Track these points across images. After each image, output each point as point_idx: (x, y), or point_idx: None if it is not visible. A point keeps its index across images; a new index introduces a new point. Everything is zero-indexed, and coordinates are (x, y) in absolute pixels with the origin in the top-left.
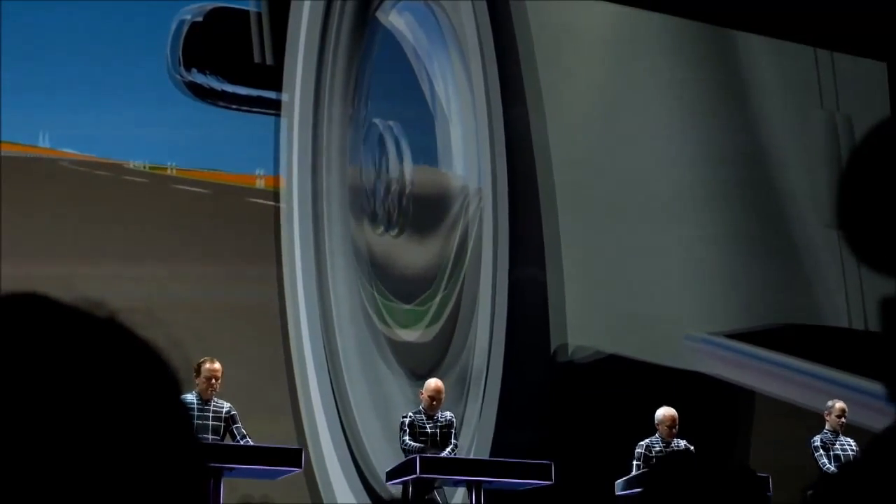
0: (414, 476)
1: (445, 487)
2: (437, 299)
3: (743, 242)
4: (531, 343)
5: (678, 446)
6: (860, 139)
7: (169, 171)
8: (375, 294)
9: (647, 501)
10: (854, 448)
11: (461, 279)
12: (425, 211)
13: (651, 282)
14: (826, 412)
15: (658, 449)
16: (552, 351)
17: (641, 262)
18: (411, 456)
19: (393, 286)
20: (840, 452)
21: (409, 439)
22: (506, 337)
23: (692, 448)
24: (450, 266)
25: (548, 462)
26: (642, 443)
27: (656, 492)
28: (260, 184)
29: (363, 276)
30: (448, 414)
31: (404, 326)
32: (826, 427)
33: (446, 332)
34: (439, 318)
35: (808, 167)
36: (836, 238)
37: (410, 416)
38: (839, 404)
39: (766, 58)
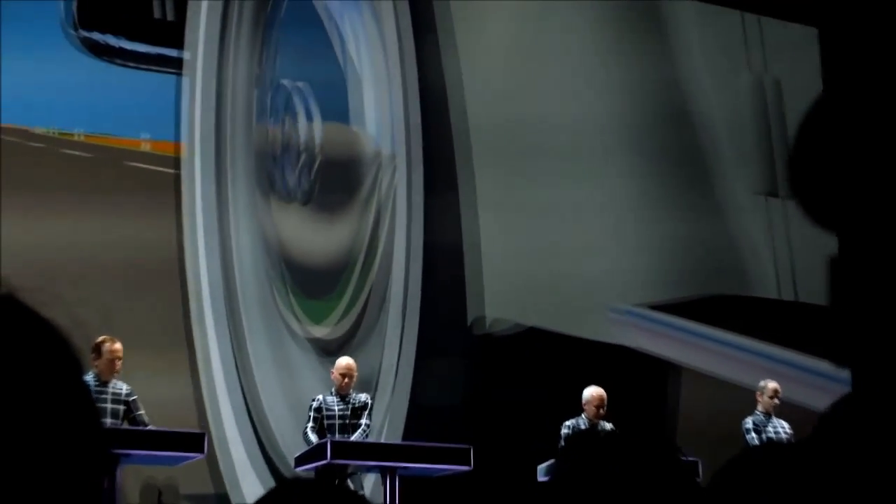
0: (324, 462)
1: (360, 473)
2: (350, 290)
3: (668, 207)
4: (446, 316)
5: (603, 429)
6: (808, 107)
7: (74, 136)
8: (285, 288)
9: (556, 492)
10: (787, 431)
11: (376, 262)
12: (337, 180)
13: (572, 249)
14: (758, 392)
15: (589, 428)
16: (468, 324)
17: (562, 227)
18: (323, 440)
19: (302, 278)
20: (773, 435)
21: (312, 431)
22: (420, 308)
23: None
24: (364, 251)
25: (466, 446)
26: (568, 423)
27: (566, 481)
28: (160, 148)
29: (271, 266)
30: (363, 396)
31: (315, 322)
32: (758, 408)
33: (358, 325)
34: (351, 309)
35: (735, 130)
36: (765, 204)
37: (319, 400)
38: (771, 384)
39: (692, 19)
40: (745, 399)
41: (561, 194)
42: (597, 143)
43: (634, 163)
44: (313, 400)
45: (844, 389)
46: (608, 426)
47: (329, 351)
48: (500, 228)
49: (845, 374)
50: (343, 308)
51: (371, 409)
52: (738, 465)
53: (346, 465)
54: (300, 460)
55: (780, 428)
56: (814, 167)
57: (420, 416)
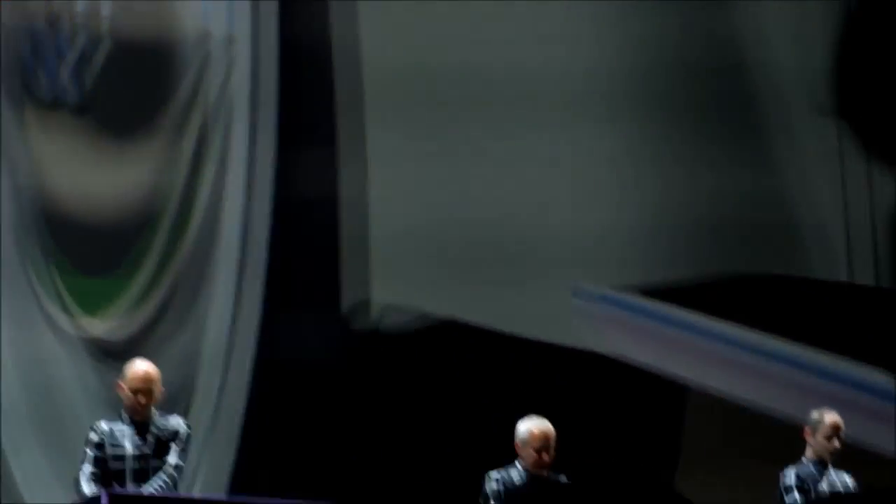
0: None
1: None
2: (149, 264)
3: (669, 158)
4: (306, 302)
5: (559, 481)
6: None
7: None
8: (45, 259)
9: None
10: (852, 487)
11: (193, 221)
12: (134, 79)
13: (516, 204)
14: (807, 430)
15: (520, 485)
16: (342, 313)
17: (501, 172)
18: (95, 493)
19: (74, 243)
20: (828, 495)
21: (87, 479)
22: (263, 293)
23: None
24: (176, 201)
25: None
26: (494, 474)
27: None
28: None
29: (22, 224)
30: (176, 421)
31: (92, 312)
32: (807, 454)
33: (160, 319)
34: (150, 294)
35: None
36: (833, 130)
37: (100, 430)
38: (830, 418)
39: None
40: (788, 439)
41: (511, 145)
42: (558, 90)
43: (629, 82)
44: (91, 430)
45: None
46: (561, 478)
47: (113, 356)
48: (402, 174)
49: None
50: (137, 292)
51: (187, 441)
52: None
53: None
54: None
55: (840, 483)
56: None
57: (257, 457)
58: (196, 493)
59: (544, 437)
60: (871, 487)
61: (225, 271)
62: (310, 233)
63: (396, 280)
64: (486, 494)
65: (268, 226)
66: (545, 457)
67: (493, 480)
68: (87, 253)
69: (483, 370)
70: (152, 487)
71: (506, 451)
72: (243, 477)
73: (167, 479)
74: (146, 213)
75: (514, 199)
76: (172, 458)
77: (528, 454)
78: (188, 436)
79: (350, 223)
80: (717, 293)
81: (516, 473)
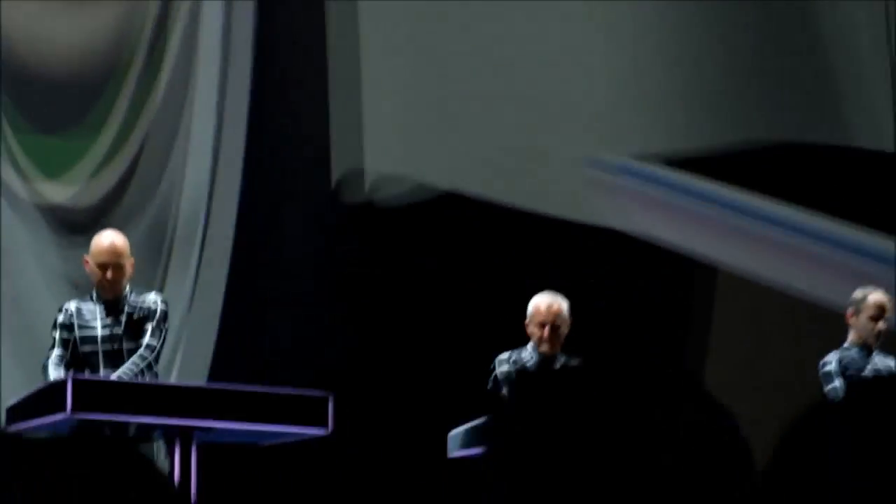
0: (63, 415)
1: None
2: (116, 120)
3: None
4: (293, 170)
5: (570, 364)
6: None
7: None
8: None
9: (492, 476)
10: None
11: (165, 68)
12: None
13: (526, 67)
14: (850, 311)
15: (530, 367)
16: (333, 185)
17: (509, 33)
18: (60, 378)
19: (28, 96)
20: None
21: (55, 363)
22: (244, 159)
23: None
24: (143, 46)
25: (321, 394)
26: (503, 356)
27: (506, 457)
28: None
29: None
30: (151, 298)
31: (51, 175)
32: (850, 338)
33: (128, 181)
34: (117, 155)
35: None
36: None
37: (69, 310)
38: (875, 297)
39: None
40: (826, 322)
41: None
42: None
43: None
44: (59, 310)
45: None
46: (573, 361)
47: (77, 226)
48: (402, 43)
49: None
50: (102, 152)
51: (163, 320)
52: (814, 423)
53: (104, 424)
54: (16, 412)
55: (885, 370)
56: None
57: (240, 340)
58: (171, 380)
59: (550, 313)
60: None
61: (201, 129)
62: (296, 93)
63: (392, 148)
64: (497, 378)
65: (249, 76)
66: (546, 332)
67: (501, 363)
68: (45, 108)
69: (487, 247)
70: (122, 372)
71: (516, 335)
72: (225, 361)
73: (138, 362)
74: (112, 62)
75: (524, 61)
76: (146, 339)
77: (533, 331)
78: (164, 314)
79: (340, 79)
80: (750, 163)
81: (526, 354)
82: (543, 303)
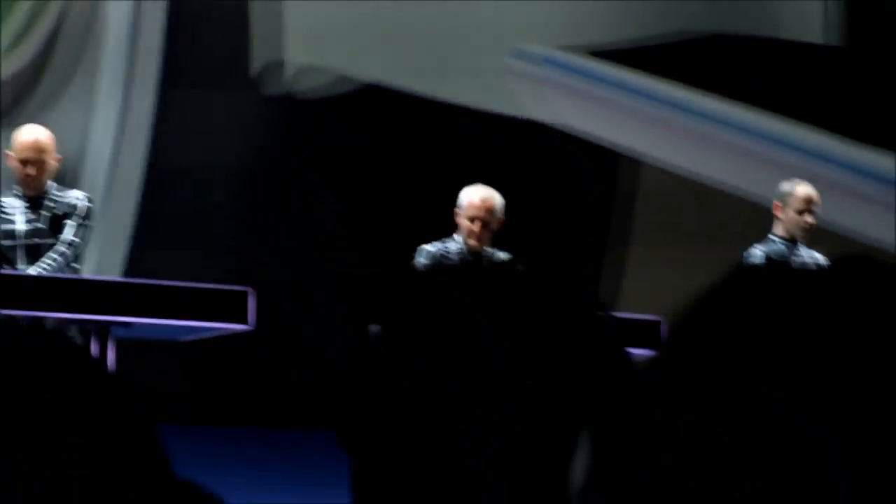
0: None
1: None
2: None
3: None
4: (212, 62)
5: (491, 258)
6: None
7: None
8: None
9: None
10: (824, 265)
11: None
12: None
13: None
14: (777, 203)
15: (457, 257)
16: (254, 75)
17: None
18: None
19: None
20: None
21: None
22: (164, 44)
23: (518, 265)
24: None
25: (242, 289)
26: (427, 247)
27: (402, 339)
28: None
29: None
30: (75, 194)
31: None
32: (774, 230)
33: (47, 57)
34: (33, 29)
35: None
36: None
37: None
38: (801, 190)
39: None
40: (754, 216)
41: None
42: None
43: None
44: None
45: None
46: (501, 255)
47: None
48: None
49: None
50: (18, 25)
51: (86, 216)
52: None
53: (20, 318)
54: None
55: (812, 260)
56: None
57: (161, 231)
58: (85, 275)
59: (481, 206)
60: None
61: (117, 14)
62: None
63: (314, 37)
64: (414, 267)
65: None
66: (477, 226)
67: (422, 254)
68: None
69: (411, 139)
70: (39, 267)
71: (442, 226)
72: (140, 256)
73: (57, 258)
74: None
75: None
76: (66, 235)
77: (464, 223)
78: (88, 210)
79: None
80: (676, 55)
81: (453, 246)
82: (477, 196)
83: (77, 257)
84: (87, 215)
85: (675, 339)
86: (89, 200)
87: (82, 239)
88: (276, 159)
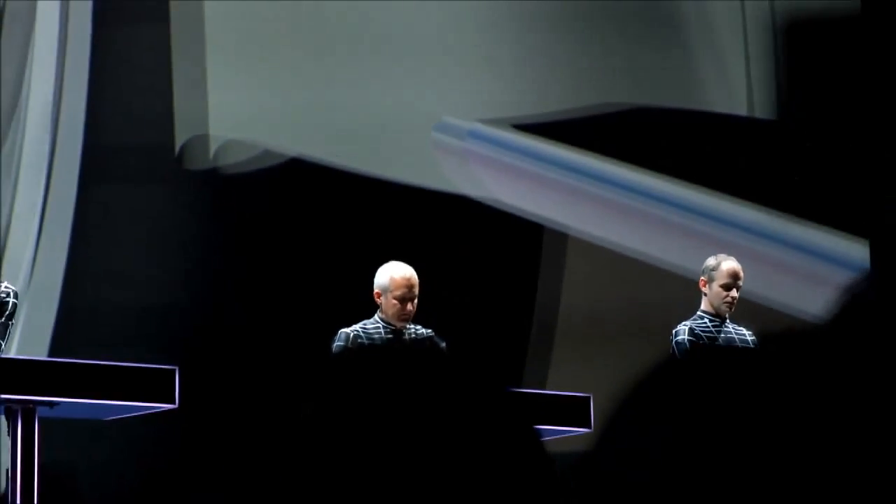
0: None
1: None
2: None
3: None
4: (135, 140)
5: (415, 334)
6: None
7: None
8: None
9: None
10: (750, 342)
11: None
12: None
13: (368, 26)
14: (702, 279)
15: (378, 338)
16: (177, 151)
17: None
18: None
19: None
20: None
21: None
22: (85, 123)
23: (440, 342)
24: None
25: (168, 368)
26: (346, 330)
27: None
28: None
29: None
30: (2, 290)
31: None
32: (702, 307)
33: None
34: None
35: None
36: None
37: None
38: (727, 264)
39: None
40: (681, 291)
41: None
42: None
43: None
44: None
45: (851, 277)
46: (422, 330)
47: None
48: None
49: (858, 249)
50: None
51: (13, 314)
52: (659, 380)
53: None
54: None
55: (739, 338)
56: None
57: (80, 314)
58: (11, 354)
59: (407, 285)
60: (767, 335)
61: (39, 91)
62: (139, 55)
63: (236, 114)
64: (333, 348)
65: (89, 37)
66: (409, 307)
67: (340, 338)
68: None
69: (334, 214)
70: None
71: (363, 305)
72: (65, 335)
73: None
74: None
75: (370, 27)
76: None
77: (390, 304)
78: (14, 308)
79: (183, 43)
80: (601, 127)
81: (371, 326)
82: (401, 275)
83: None
84: (13, 314)
85: (612, 423)
86: (15, 296)
87: (4, 338)
88: (199, 232)
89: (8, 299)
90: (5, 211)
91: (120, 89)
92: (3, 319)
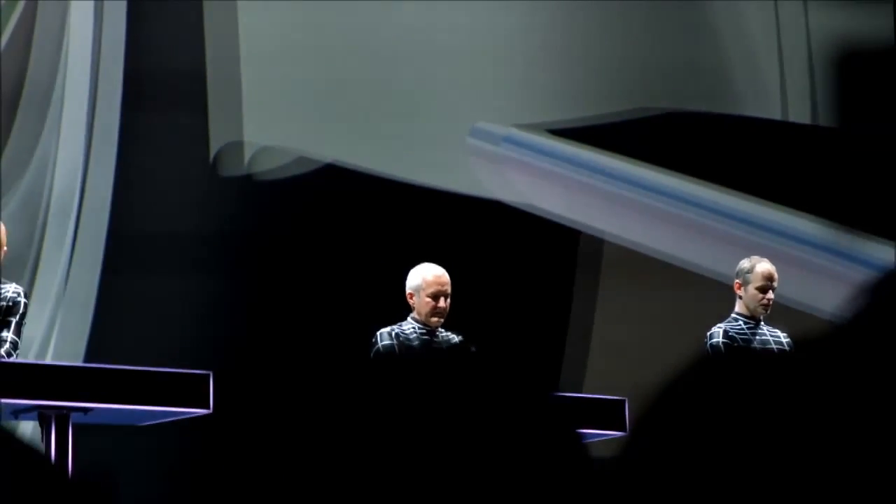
0: None
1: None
2: None
3: None
4: (170, 144)
5: (445, 340)
6: None
7: None
8: None
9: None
10: (786, 344)
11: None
12: None
13: (406, 38)
14: (737, 282)
15: (415, 337)
16: (212, 158)
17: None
18: None
19: None
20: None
21: None
22: (119, 131)
23: (471, 347)
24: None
25: (202, 373)
26: (383, 332)
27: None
28: None
29: None
30: (12, 288)
31: None
32: (737, 309)
33: None
34: None
35: None
36: None
37: None
38: (762, 267)
39: None
40: (716, 295)
41: None
42: None
43: None
44: None
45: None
46: (453, 337)
47: None
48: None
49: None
50: None
51: (22, 315)
52: (691, 381)
53: None
54: None
55: (774, 339)
56: None
57: (117, 318)
58: (47, 360)
59: (439, 282)
60: (802, 340)
61: (73, 101)
62: (173, 62)
63: (271, 120)
64: (380, 352)
65: (123, 41)
66: (443, 303)
67: (380, 335)
68: None
69: (369, 220)
70: None
71: (398, 310)
72: (102, 340)
73: (2, 353)
74: None
75: (406, 31)
76: (11, 334)
77: (423, 302)
78: (25, 308)
79: (218, 51)
80: (636, 132)
81: (409, 328)
82: (432, 274)
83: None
84: (24, 313)
85: (643, 425)
86: (25, 297)
87: (20, 337)
88: (235, 239)
89: (19, 300)
90: (41, 214)
91: (155, 96)
92: (17, 319)
